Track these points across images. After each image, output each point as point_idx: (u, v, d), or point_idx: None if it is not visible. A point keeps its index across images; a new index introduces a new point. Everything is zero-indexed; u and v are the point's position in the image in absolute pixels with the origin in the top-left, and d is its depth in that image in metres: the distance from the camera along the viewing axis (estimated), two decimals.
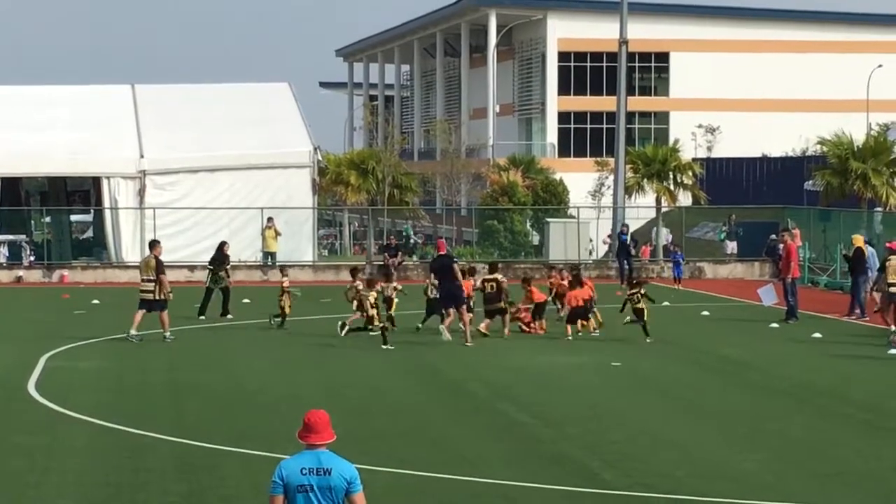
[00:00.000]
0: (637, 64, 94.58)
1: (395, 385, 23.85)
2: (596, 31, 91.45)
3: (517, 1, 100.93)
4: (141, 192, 50.01)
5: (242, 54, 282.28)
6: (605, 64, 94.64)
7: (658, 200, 55.89)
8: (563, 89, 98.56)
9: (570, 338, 30.08)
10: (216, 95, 56.30)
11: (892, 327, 29.92)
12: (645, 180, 55.41)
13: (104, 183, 50.22)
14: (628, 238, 48.56)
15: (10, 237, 52.30)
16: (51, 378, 24.48)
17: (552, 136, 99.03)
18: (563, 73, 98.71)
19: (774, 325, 33.47)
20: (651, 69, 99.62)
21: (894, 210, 49.97)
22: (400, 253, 50.59)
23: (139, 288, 30.33)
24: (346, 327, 29.76)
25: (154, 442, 18.35)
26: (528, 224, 61.61)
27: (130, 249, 49.66)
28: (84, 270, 49.85)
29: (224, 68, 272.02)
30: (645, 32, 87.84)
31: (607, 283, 44.75)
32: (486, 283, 31.02)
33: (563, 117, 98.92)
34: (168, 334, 29.76)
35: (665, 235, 57.19)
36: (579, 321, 30.80)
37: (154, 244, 30.69)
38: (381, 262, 48.93)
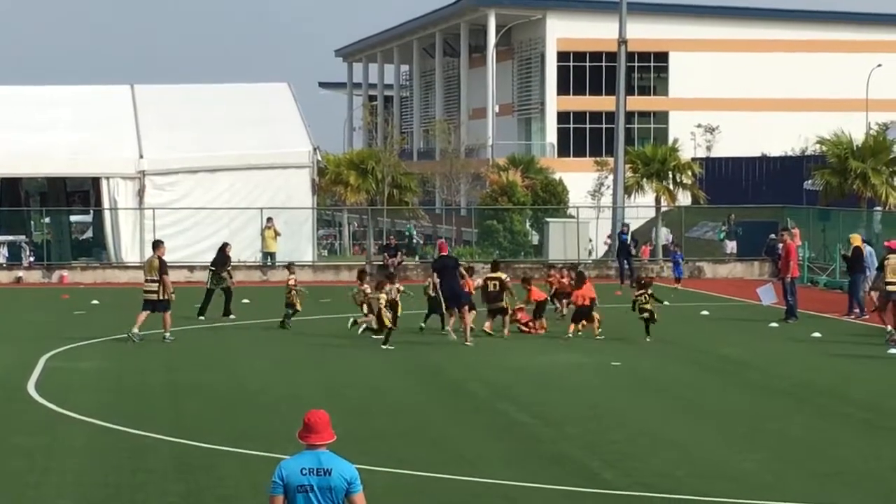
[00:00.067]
0: (636, 64, 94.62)
1: (395, 385, 23.85)
2: (595, 31, 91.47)
3: (516, 1, 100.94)
4: (140, 193, 49.99)
5: (242, 54, 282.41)
6: (604, 64, 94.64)
7: (657, 200, 55.89)
8: (563, 89, 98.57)
9: (569, 336, 30.05)
10: (216, 96, 56.29)
11: (888, 327, 29.91)
12: (644, 180, 55.39)
13: (104, 183, 50.20)
14: (629, 238, 48.53)
15: (10, 238, 52.29)
16: (50, 378, 24.48)
17: (551, 135, 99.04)
18: (563, 73, 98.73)
19: (774, 324, 33.47)
20: (650, 69, 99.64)
21: (894, 209, 49.96)
22: (400, 253, 50.57)
23: (143, 288, 30.35)
24: (361, 327, 29.67)
25: (153, 442, 18.35)
26: (528, 224, 61.61)
27: (130, 250, 49.67)
28: (84, 271, 49.83)
29: (223, 68, 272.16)
30: (644, 32, 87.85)
31: (607, 283, 44.77)
32: (488, 282, 31.05)
33: (563, 117, 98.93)
34: (168, 335, 29.77)
35: (665, 235, 57.18)
36: (582, 321, 30.78)
37: (158, 244, 30.71)
38: (381, 263, 48.94)
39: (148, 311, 29.83)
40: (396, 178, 58.97)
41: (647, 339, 29.64)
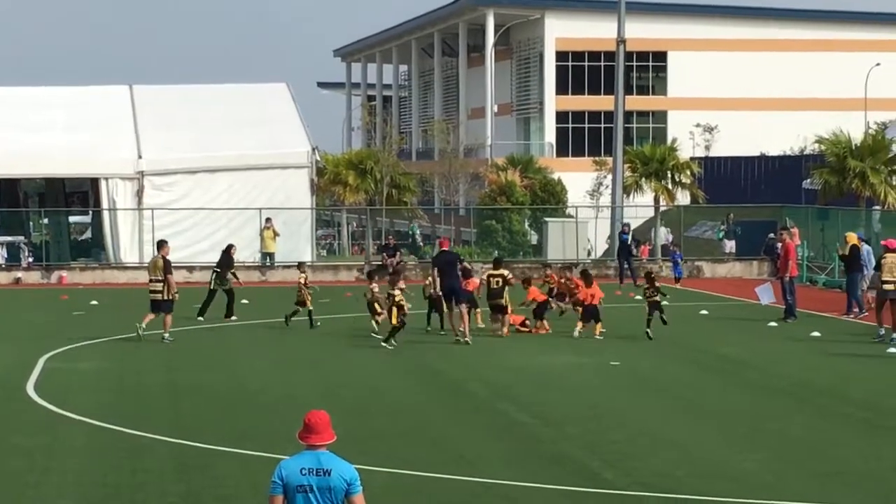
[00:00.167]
0: (635, 63, 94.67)
1: (394, 385, 23.85)
2: (594, 31, 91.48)
3: (515, 0, 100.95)
4: (139, 193, 49.98)
5: (240, 55, 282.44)
6: (602, 63, 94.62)
7: (656, 200, 55.90)
8: (561, 89, 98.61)
9: (577, 334, 30.19)
10: (214, 96, 56.27)
11: (882, 330, 29.89)
12: (643, 179, 55.39)
13: (102, 184, 50.19)
14: (629, 238, 48.44)
15: (9, 238, 52.29)
16: (50, 379, 24.47)
17: (550, 135, 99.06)
18: (561, 73, 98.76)
19: (773, 323, 33.47)
20: (649, 68, 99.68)
21: (892, 208, 49.96)
22: (399, 253, 50.57)
23: (148, 289, 30.38)
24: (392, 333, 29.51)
25: (152, 443, 18.35)
26: (527, 224, 61.65)
27: (129, 250, 49.68)
28: (82, 271, 49.83)
29: (222, 69, 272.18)
30: (643, 32, 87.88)
31: (606, 283, 44.72)
32: (491, 279, 31.10)
33: (561, 117, 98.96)
34: (167, 335, 29.76)
35: (665, 235, 57.19)
36: (591, 320, 30.89)
37: (162, 244, 30.71)
38: (380, 263, 48.93)
39: (154, 314, 29.91)
40: (395, 178, 58.97)
41: (663, 318, 30.01)
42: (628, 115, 75.37)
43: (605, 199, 70.49)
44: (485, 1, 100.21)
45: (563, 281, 33.14)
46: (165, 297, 29.76)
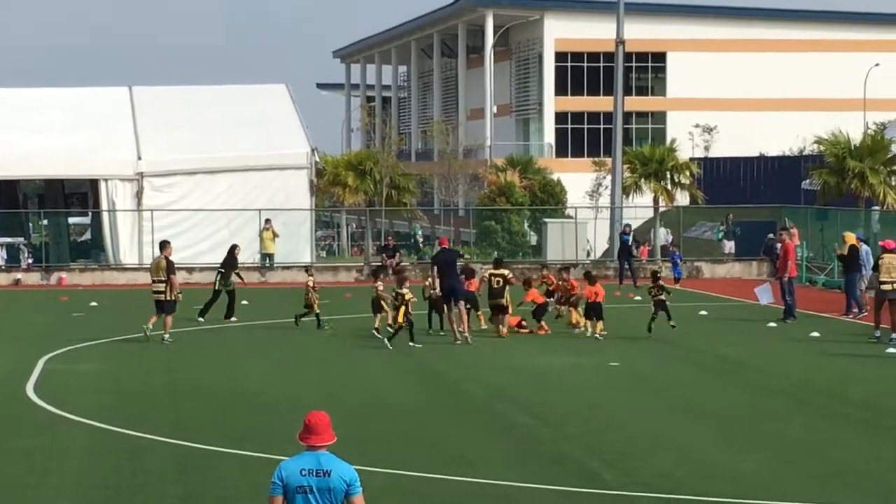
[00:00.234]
0: (634, 64, 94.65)
1: (394, 386, 23.86)
2: (593, 32, 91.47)
3: (514, 1, 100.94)
4: (139, 194, 49.98)
5: (240, 56, 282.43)
6: (601, 64, 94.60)
7: (656, 200, 55.92)
8: (561, 89, 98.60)
9: (581, 328, 30.64)
10: (213, 97, 56.27)
11: (878, 331, 29.90)
12: (642, 180, 55.42)
13: (102, 185, 50.19)
14: (630, 238, 48.35)
15: (8, 240, 52.31)
16: (49, 380, 24.48)
17: (549, 136, 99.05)
18: (560, 74, 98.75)
19: (772, 324, 33.49)
20: (648, 69, 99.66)
21: (891, 209, 49.97)
22: (398, 254, 50.58)
23: (152, 289, 30.39)
24: (390, 331, 29.40)
25: (152, 444, 18.36)
26: (526, 224, 61.62)
27: (128, 251, 49.68)
28: (82, 273, 49.83)
29: (221, 70, 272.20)
30: (642, 32, 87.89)
31: (605, 284, 44.62)
32: (492, 278, 31.13)
33: (561, 117, 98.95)
34: (167, 336, 29.77)
35: (664, 235, 57.20)
36: (593, 318, 31.05)
37: (164, 245, 30.70)
38: (379, 263, 48.92)
39: (158, 314, 29.95)
40: (394, 178, 58.97)
41: (672, 325, 30.17)
42: (627, 116, 75.35)
43: (605, 199, 70.45)
44: (484, 2, 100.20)
45: (560, 283, 33.17)
46: (168, 298, 29.79)
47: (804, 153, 74.76)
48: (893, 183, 51.32)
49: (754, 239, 52.05)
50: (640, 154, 56.87)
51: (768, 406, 21.61)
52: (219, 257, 38.39)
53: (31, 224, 55.96)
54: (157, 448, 18.11)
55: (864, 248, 36.46)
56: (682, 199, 58.05)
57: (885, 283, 29.87)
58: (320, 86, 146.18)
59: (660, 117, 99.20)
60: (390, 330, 29.01)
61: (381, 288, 31.13)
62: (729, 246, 54.79)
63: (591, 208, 66.20)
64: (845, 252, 35.75)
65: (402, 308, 28.70)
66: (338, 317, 34.42)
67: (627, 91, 72.84)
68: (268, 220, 49.51)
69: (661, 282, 31.24)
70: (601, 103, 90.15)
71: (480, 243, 59.30)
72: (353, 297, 39.62)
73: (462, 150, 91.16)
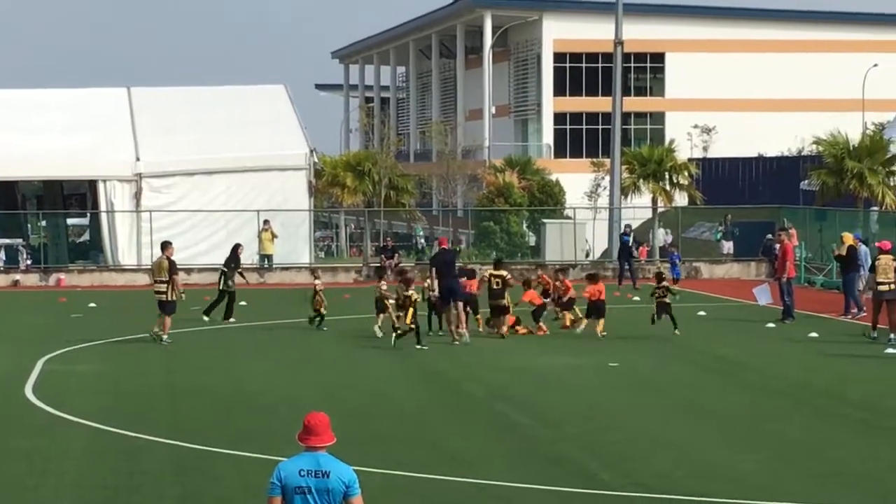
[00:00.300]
0: (632, 64, 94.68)
1: (394, 387, 23.85)
2: (591, 32, 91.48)
3: (513, 2, 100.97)
4: (137, 196, 49.98)
5: (238, 57, 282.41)
6: (600, 65, 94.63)
7: (654, 201, 55.93)
8: (559, 90, 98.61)
9: (583, 327, 30.82)
10: (212, 98, 56.27)
11: (874, 333, 29.90)
12: (641, 181, 55.44)
13: (100, 186, 50.18)
14: (630, 239, 48.27)
15: (7, 241, 52.32)
16: (48, 381, 24.47)
17: (548, 137, 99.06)
18: (559, 74, 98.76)
19: (771, 324, 33.48)
20: (647, 69, 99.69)
21: (890, 209, 49.98)
22: (397, 254, 50.57)
23: (154, 290, 30.38)
24: (398, 332, 29.08)
25: (150, 445, 18.35)
26: (525, 225, 61.63)
27: (127, 253, 49.68)
28: (80, 274, 49.82)
29: (220, 71, 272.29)
30: (640, 33, 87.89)
31: (604, 284, 44.68)
32: (492, 278, 31.13)
33: (559, 118, 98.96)
34: (165, 337, 29.76)
35: (663, 236, 57.20)
36: (593, 316, 31.10)
37: (166, 245, 30.68)
38: (378, 264, 48.94)
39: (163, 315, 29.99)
40: (393, 179, 58.97)
41: (676, 332, 30.19)
42: (626, 117, 75.38)
43: (603, 200, 70.47)
44: (482, 2, 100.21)
45: (556, 283, 33.19)
46: (169, 298, 29.78)
47: (803, 154, 74.77)
48: (892, 183, 51.33)
49: (753, 239, 52.05)
50: (639, 155, 56.89)
51: (767, 406, 21.61)
52: (217, 258, 38.40)
53: (29, 225, 55.95)
54: (156, 449, 18.11)
55: (862, 248, 36.46)
56: (681, 199, 58.05)
57: (881, 283, 29.92)
58: (319, 86, 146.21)
59: (658, 118, 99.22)
60: (398, 331, 28.93)
61: (384, 288, 31.14)
62: (727, 246, 54.80)
63: (589, 209, 66.21)
64: (843, 253, 35.76)
65: (411, 310, 28.73)
66: (337, 318, 34.39)
67: (626, 91, 72.84)
68: (266, 221, 49.51)
69: (665, 283, 31.18)
70: (600, 104, 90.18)
71: (479, 244, 59.31)
72: (352, 298, 39.60)
73: (461, 150, 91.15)
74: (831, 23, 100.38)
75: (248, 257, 49.22)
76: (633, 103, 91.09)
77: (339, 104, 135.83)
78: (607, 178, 64.28)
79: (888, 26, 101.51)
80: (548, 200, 64.40)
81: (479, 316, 32.02)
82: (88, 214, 55.82)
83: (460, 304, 29.86)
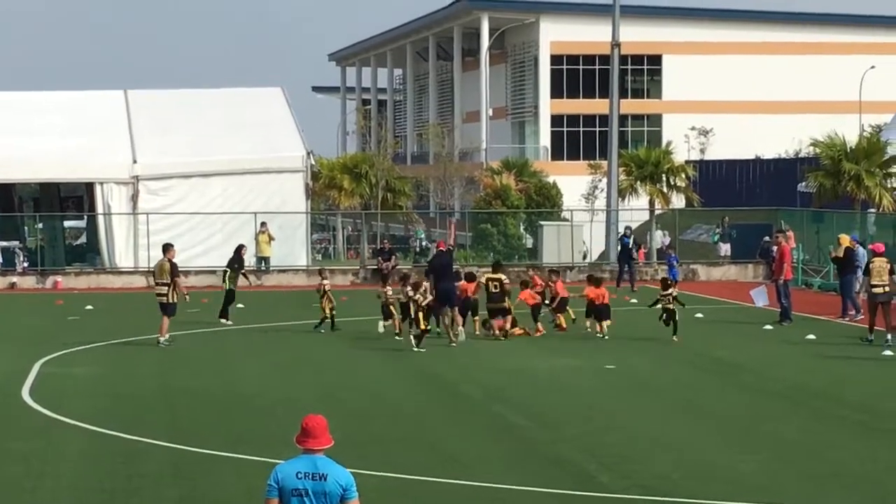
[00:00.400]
0: (629, 66, 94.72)
1: (392, 389, 23.84)
2: (588, 34, 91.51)
3: (509, 4, 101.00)
4: (134, 198, 49.94)
5: (235, 59, 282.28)
6: (597, 67, 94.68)
7: (651, 203, 55.90)
8: (556, 92, 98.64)
9: (603, 335, 30.79)
10: (209, 100, 56.24)
11: (871, 335, 29.90)
12: (638, 183, 55.42)
13: (97, 188, 50.13)
14: (630, 241, 48.16)
15: (4, 243, 52.22)
16: (45, 384, 24.45)
17: (545, 139, 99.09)
18: (556, 76, 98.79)
19: (768, 326, 33.49)
20: (644, 72, 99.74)
21: (887, 211, 49.97)
22: (394, 257, 50.55)
23: (155, 292, 30.33)
24: (415, 337, 29.01)
25: (148, 447, 18.33)
26: (522, 227, 61.55)
27: (124, 255, 49.63)
28: (77, 276, 49.79)
29: (217, 73, 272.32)
30: (637, 35, 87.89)
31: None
32: (490, 282, 31.10)
33: (556, 120, 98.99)
34: (163, 339, 29.73)
35: (661, 238, 57.17)
36: (596, 322, 31.08)
37: (168, 248, 30.63)
38: (375, 267, 48.92)
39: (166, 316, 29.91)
40: (390, 181, 58.94)
41: (674, 339, 30.12)
42: (623, 119, 75.35)
43: (601, 202, 70.45)
44: (480, 5, 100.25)
45: (549, 284, 33.19)
46: (170, 301, 29.74)
47: (800, 156, 74.74)
48: (889, 185, 51.32)
49: (750, 241, 52.04)
50: (636, 157, 56.87)
51: (765, 408, 21.61)
52: (214, 260, 38.35)
53: (26, 227, 55.86)
54: (153, 451, 18.08)
55: (860, 249, 36.45)
56: (678, 201, 58.02)
57: (875, 286, 29.96)
58: (316, 89, 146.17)
59: (655, 120, 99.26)
60: (415, 337, 28.87)
61: (389, 293, 31.14)
62: (725, 248, 54.78)
63: (587, 211, 66.15)
64: (840, 254, 35.76)
65: (420, 313, 28.75)
66: (335, 320, 34.31)
67: (623, 94, 72.78)
68: (263, 224, 49.48)
69: (672, 291, 31.13)
70: (597, 106, 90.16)
71: (476, 246, 59.24)
72: (350, 300, 39.59)
73: (458, 152, 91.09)
74: (828, 25, 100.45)
75: (246, 260, 49.25)
76: (630, 105, 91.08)
77: (336, 106, 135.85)
78: (604, 180, 64.20)
79: (885, 28, 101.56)
80: (545, 203, 64.31)
81: (476, 318, 32.00)
82: (85, 217, 55.76)
83: (455, 308, 29.87)
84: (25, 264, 50.93)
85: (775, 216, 53.04)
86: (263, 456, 17.10)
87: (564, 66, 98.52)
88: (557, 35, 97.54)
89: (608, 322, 31.36)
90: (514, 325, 31.60)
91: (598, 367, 26.25)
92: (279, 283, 48.94)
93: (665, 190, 55.51)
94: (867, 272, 30.69)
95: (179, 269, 30.92)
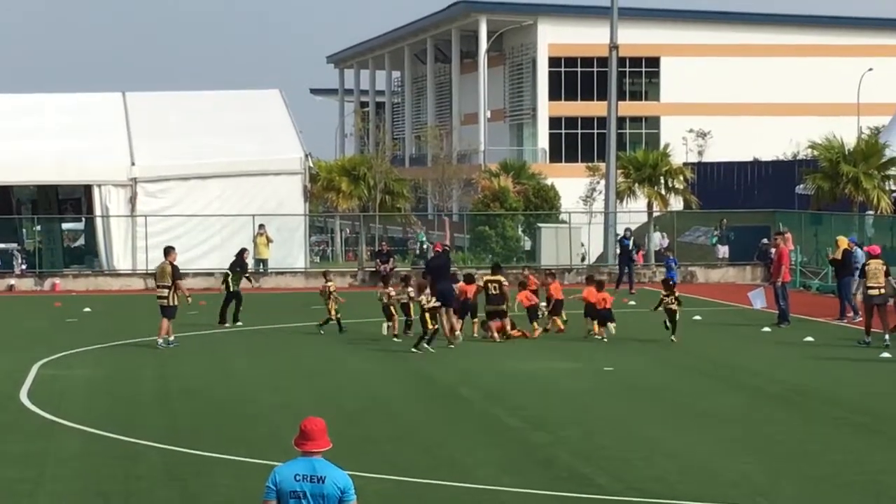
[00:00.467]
0: (628, 69, 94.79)
1: (389, 391, 23.83)
2: (586, 37, 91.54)
3: (508, 7, 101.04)
4: (132, 200, 49.93)
5: (233, 61, 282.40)
6: (595, 69, 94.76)
7: (649, 205, 55.91)
8: (554, 95, 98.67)
9: (603, 338, 30.79)
10: (207, 102, 56.22)
11: (868, 337, 29.91)
12: (636, 185, 55.44)
13: (95, 191, 50.10)
14: (630, 243, 48.09)
15: (2, 245, 52.18)
16: (43, 386, 24.44)
17: (543, 141, 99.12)
18: (554, 79, 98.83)
19: (766, 328, 33.50)
20: (642, 74, 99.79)
21: (885, 213, 49.99)
22: (392, 259, 50.55)
23: (156, 295, 30.32)
24: (425, 339, 28.95)
25: (145, 449, 18.33)
26: (520, 229, 61.58)
27: (122, 257, 49.61)
28: (76, 278, 49.77)
29: (215, 75, 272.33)
30: (635, 37, 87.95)
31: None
32: (489, 284, 31.10)
33: (554, 122, 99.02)
34: (161, 341, 29.72)
35: (660, 240, 57.19)
36: (595, 324, 31.18)
37: (169, 250, 30.63)
38: (373, 269, 48.91)
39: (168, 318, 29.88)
40: (388, 184, 58.97)
41: (673, 339, 30.17)
42: (621, 121, 75.36)
43: (599, 204, 70.49)
44: (478, 7, 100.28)
45: (544, 284, 33.20)
46: (171, 304, 29.74)
47: (798, 158, 74.87)
48: (887, 188, 51.35)
49: (748, 243, 52.05)
50: (634, 159, 56.90)
51: (763, 410, 21.61)
52: (212, 263, 38.34)
53: (24, 230, 55.84)
54: (151, 454, 18.08)
55: (858, 251, 36.49)
56: (676, 203, 58.05)
57: (872, 288, 30.00)
58: (314, 91, 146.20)
59: (653, 122, 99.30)
60: (425, 338, 28.89)
61: (392, 294, 31.16)
62: (723, 251, 54.80)
63: (585, 213, 66.17)
64: (838, 256, 35.79)
65: (427, 315, 28.78)
66: (333, 322, 34.31)
67: (621, 96, 72.82)
68: (261, 226, 49.46)
69: (675, 293, 31.13)
70: (595, 108, 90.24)
71: (475, 248, 59.27)
72: (348, 302, 39.55)
73: (456, 155, 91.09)
74: (826, 27, 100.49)
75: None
76: (629, 108, 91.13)
77: (335, 109, 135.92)
78: (602, 182, 64.25)
79: (883, 30, 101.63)
80: (543, 205, 64.40)
81: (475, 320, 32.00)
82: (83, 219, 55.73)
83: (451, 311, 29.88)
84: (24, 266, 50.91)
85: (773, 218, 53.07)
86: (261, 458, 17.10)
87: (562, 69, 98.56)
88: (555, 37, 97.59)
89: (613, 324, 31.35)
90: (512, 326, 31.61)
91: (596, 369, 26.26)
92: (277, 285, 48.94)
93: (663, 192, 55.54)
94: (863, 274, 30.72)
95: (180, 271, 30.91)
